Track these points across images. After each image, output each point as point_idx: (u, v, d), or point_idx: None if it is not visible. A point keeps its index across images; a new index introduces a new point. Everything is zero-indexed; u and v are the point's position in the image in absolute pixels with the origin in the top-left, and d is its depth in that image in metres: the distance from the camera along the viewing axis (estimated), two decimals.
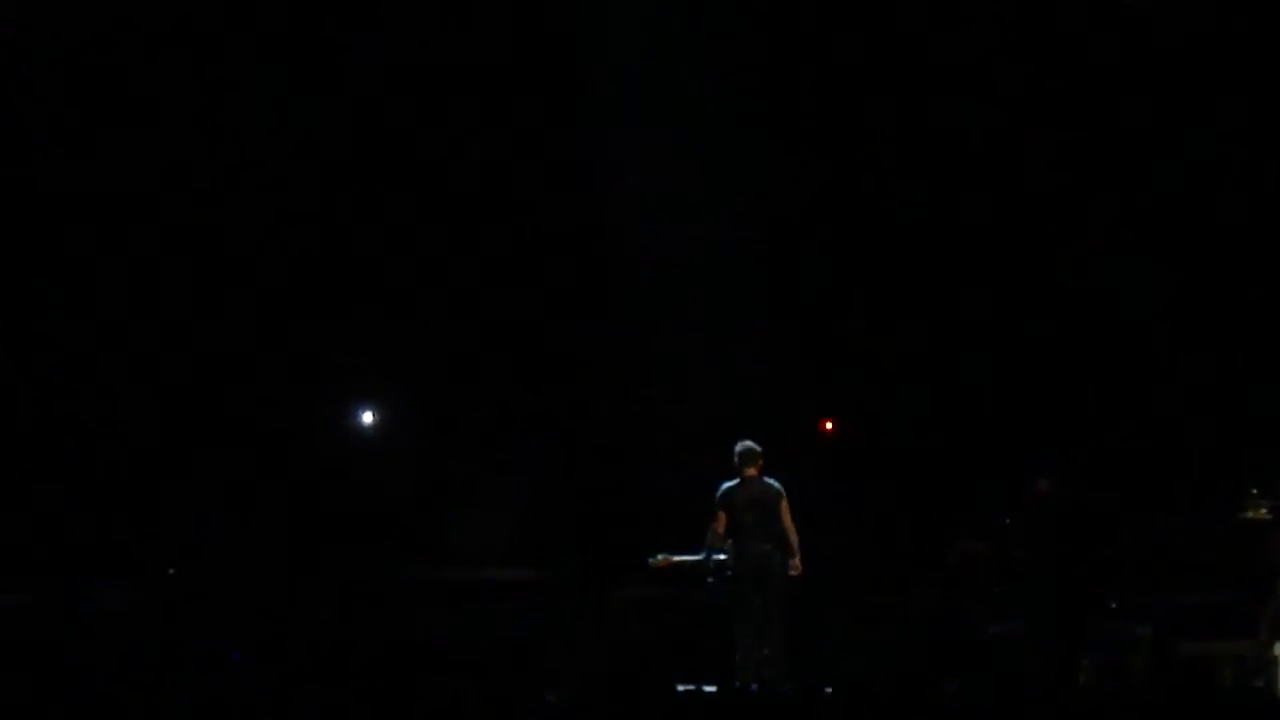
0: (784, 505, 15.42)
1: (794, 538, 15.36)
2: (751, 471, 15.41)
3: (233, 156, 19.25)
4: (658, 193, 19.66)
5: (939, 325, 19.95)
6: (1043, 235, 19.88)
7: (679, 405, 19.46)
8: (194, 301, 19.28)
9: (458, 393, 19.87)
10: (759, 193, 19.79)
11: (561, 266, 20.07)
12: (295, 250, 19.49)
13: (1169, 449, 18.98)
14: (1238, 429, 18.71)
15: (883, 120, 19.88)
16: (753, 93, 19.87)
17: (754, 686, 15.06)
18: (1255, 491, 16.35)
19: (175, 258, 19.30)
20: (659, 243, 19.72)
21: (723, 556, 15.53)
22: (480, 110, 19.77)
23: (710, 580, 15.82)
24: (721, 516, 15.45)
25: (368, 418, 19.80)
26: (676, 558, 16.18)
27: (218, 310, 19.32)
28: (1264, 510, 16.26)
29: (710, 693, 15.33)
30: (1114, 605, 16.67)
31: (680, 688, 15.37)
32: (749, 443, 15.48)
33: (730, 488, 15.44)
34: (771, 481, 15.47)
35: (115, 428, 18.98)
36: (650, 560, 16.30)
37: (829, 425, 20.25)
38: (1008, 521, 16.33)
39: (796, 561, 15.35)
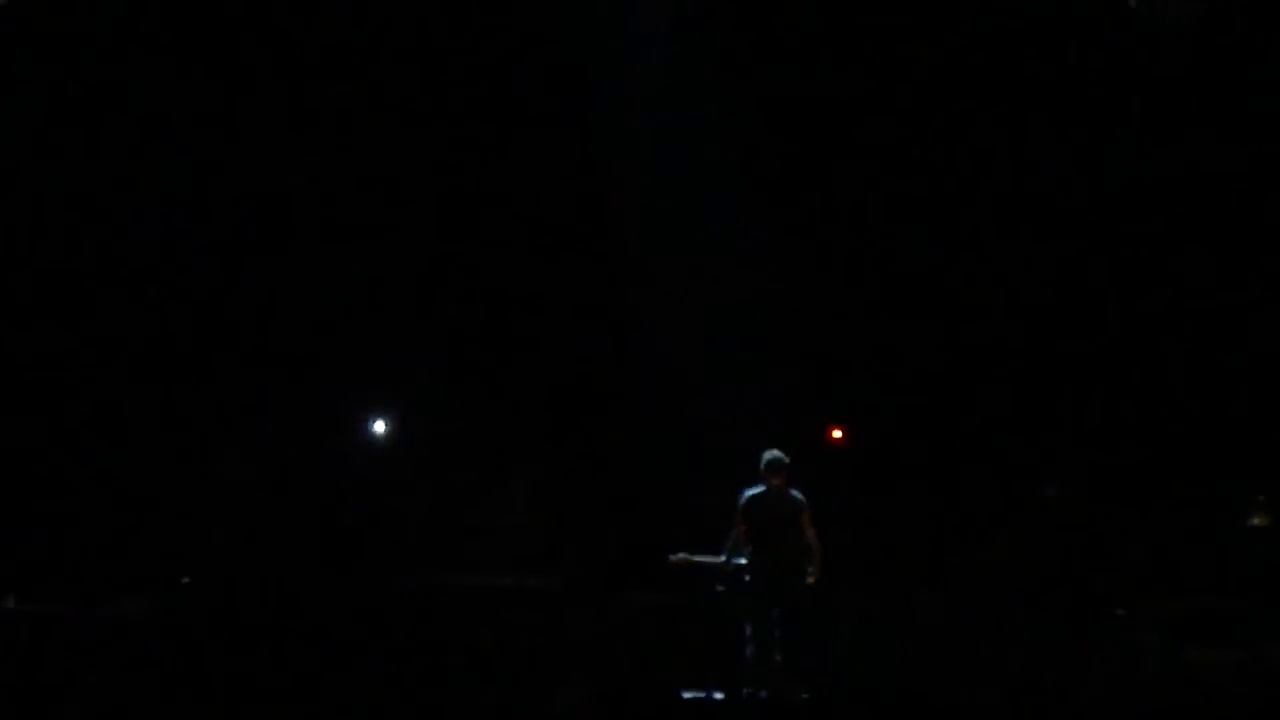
0: (806, 517, 15.37)
1: (816, 547, 15.35)
2: (776, 481, 15.35)
3: (244, 167, 19.34)
4: (665, 203, 19.71)
5: (944, 330, 19.97)
6: (1046, 238, 19.90)
7: (688, 415, 19.49)
8: (205, 312, 19.36)
9: (468, 402, 19.94)
10: (766, 199, 19.82)
11: (569, 276, 20.11)
12: (304, 260, 19.57)
13: (1174, 455, 19.00)
14: (1242, 436, 18.73)
15: (887, 126, 19.91)
16: (759, 100, 19.92)
17: (763, 694, 15.13)
18: (1262, 498, 16.44)
19: (188, 268, 19.39)
20: (667, 251, 19.76)
21: (743, 561, 15.57)
22: (487, 121, 19.82)
23: (720, 589, 15.88)
24: (742, 523, 15.51)
25: (380, 427, 19.88)
26: (697, 558, 16.24)
27: (227, 321, 19.40)
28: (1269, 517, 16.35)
29: (718, 700, 15.50)
30: (1121, 612, 16.73)
31: (687, 694, 15.56)
32: (776, 453, 15.42)
33: (753, 496, 15.41)
34: (795, 493, 15.43)
35: (128, 436, 19.06)
36: (671, 557, 16.36)
37: (837, 434, 20.23)
38: None
39: (815, 569, 15.35)
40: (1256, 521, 16.32)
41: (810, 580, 15.27)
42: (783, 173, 20.00)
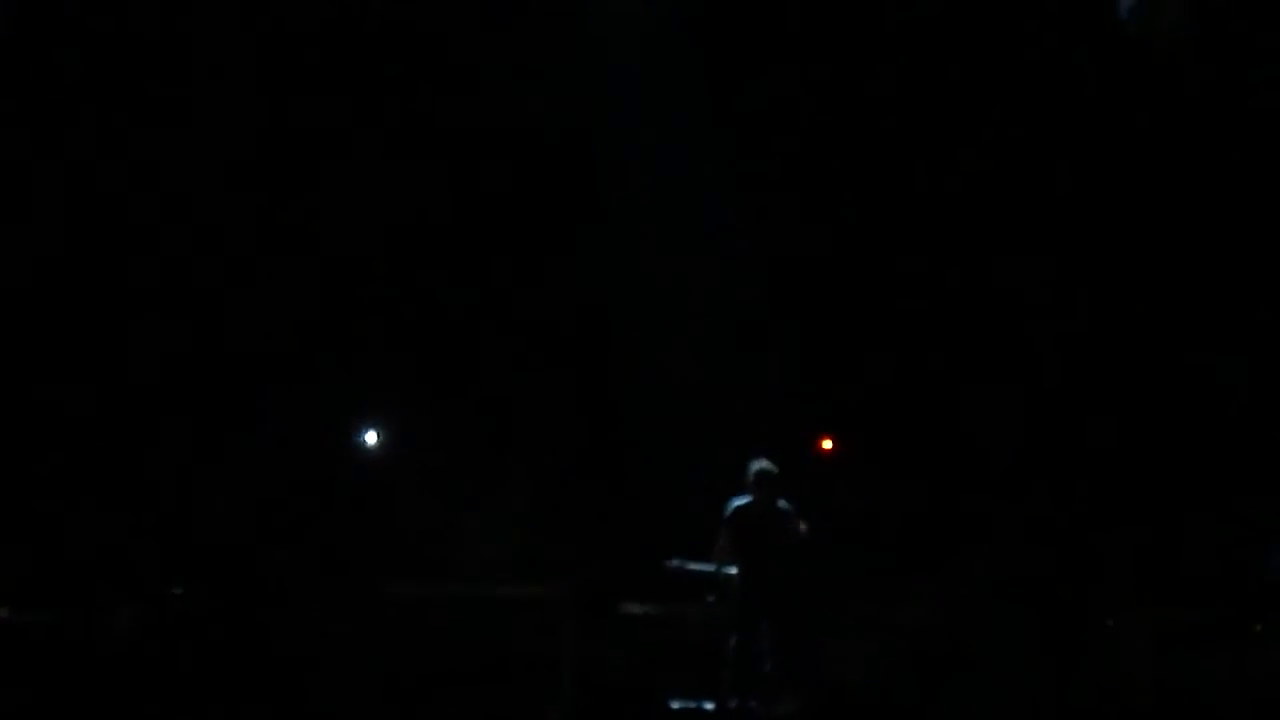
0: (794, 526, 15.49)
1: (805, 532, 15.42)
2: (763, 493, 15.41)
3: (235, 185, 19.40)
4: (660, 211, 19.76)
5: (937, 341, 20.02)
6: (1043, 247, 19.95)
7: (683, 423, 19.52)
8: (198, 324, 19.39)
9: (461, 412, 19.98)
10: (760, 208, 19.87)
11: (562, 286, 20.16)
12: (298, 272, 19.63)
13: (1165, 460, 19.05)
14: (1233, 441, 18.78)
15: (881, 137, 19.95)
16: (755, 109, 19.94)
17: (752, 704, 15.21)
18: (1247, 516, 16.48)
19: (180, 280, 19.43)
20: (660, 261, 19.82)
21: (734, 571, 15.63)
22: (482, 130, 19.86)
23: (711, 599, 15.95)
24: (729, 534, 15.53)
25: (371, 438, 19.89)
26: (691, 565, 16.30)
27: (223, 333, 19.44)
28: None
29: (708, 710, 15.58)
30: (1110, 622, 16.80)
31: (677, 704, 15.65)
32: (764, 463, 15.45)
33: (740, 506, 15.43)
34: (783, 503, 15.48)
35: (120, 446, 19.07)
36: (666, 563, 16.43)
37: (827, 444, 20.24)
38: None
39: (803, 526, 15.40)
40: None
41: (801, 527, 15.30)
42: (779, 178, 20.03)
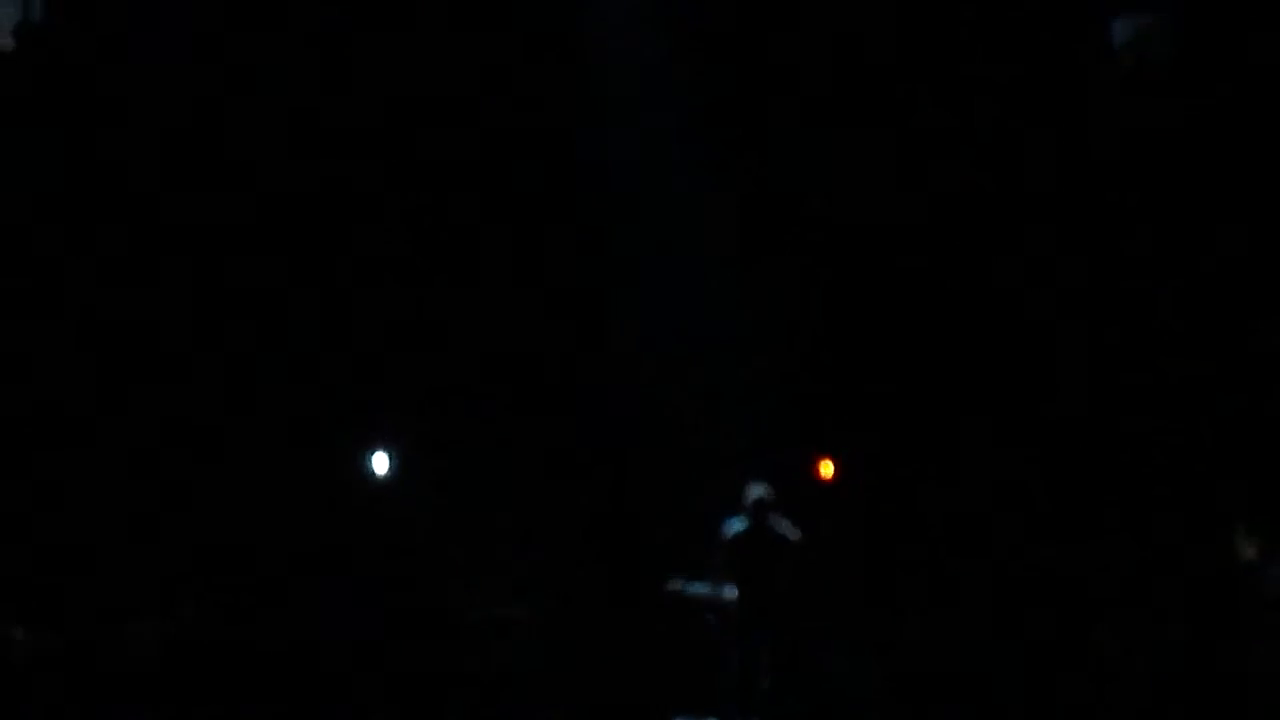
0: (790, 545, 15.73)
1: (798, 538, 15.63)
2: (760, 515, 15.64)
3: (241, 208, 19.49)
4: (659, 226, 19.85)
5: (935, 358, 20.10)
6: (1033, 256, 20.03)
7: (680, 443, 19.58)
8: (201, 346, 19.45)
9: (464, 433, 20.01)
10: (758, 222, 19.97)
11: (563, 304, 20.21)
12: (302, 293, 19.70)
13: (1164, 466, 19.11)
14: (1224, 464, 18.88)
15: (883, 152, 20.03)
16: (753, 125, 20.05)
17: None
18: (1243, 529, 16.59)
19: (182, 302, 19.49)
20: (660, 279, 19.91)
21: (733, 592, 15.85)
22: (480, 145, 19.94)
23: (709, 617, 16.13)
24: (727, 556, 15.75)
25: (380, 463, 19.95)
26: (690, 587, 16.49)
27: (224, 357, 19.50)
28: (1251, 548, 16.49)
29: None
30: (1105, 631, 16.95)
31: None
32: (761, 489, 15.70)
33: (737, 529, 15.69)
34: (778, 524, 15.72)
35: (127, 467, 19.12)
36: (667, 585, 16.61)
37: (827, 468, 20.24)
38: None
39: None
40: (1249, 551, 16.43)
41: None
42: (777, 187, 20.13)
